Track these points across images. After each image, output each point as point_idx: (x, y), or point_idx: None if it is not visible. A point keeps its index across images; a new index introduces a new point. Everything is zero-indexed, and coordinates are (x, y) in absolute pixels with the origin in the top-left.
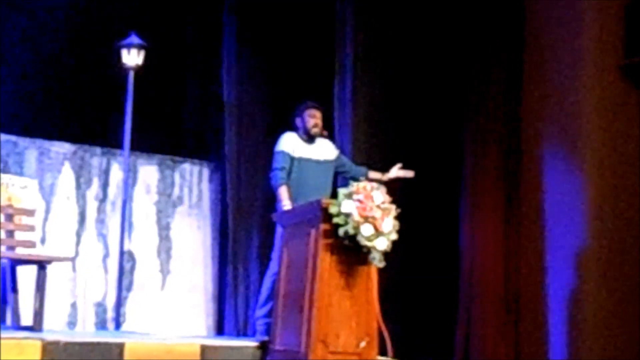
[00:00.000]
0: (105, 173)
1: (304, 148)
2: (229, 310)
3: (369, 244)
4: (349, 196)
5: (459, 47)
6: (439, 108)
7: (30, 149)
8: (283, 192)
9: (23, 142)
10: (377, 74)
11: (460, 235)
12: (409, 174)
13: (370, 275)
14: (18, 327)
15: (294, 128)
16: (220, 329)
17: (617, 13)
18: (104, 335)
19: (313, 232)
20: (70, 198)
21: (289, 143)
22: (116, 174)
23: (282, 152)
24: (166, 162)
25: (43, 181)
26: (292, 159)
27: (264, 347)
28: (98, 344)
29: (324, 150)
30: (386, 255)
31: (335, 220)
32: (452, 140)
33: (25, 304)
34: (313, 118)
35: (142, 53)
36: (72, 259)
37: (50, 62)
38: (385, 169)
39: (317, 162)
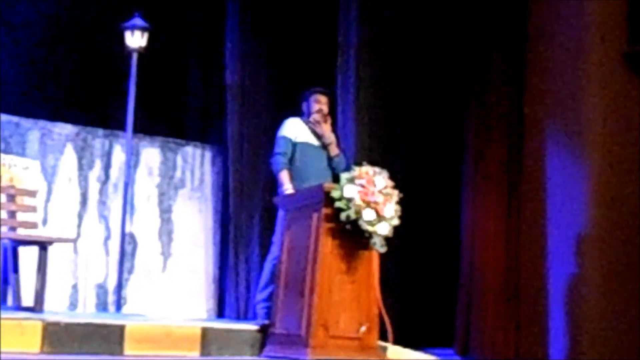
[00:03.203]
0: (108, 155)
1: (308, 133)
2: (229, 293)
3: (370, 228)
4: (351, 181)
5: (462, 35)
6: (441, 96)
7: (33, 130)
8: (284, 177)
9: (26, 123)
10: (380, 61)
11: (461, 222)
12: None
13: (372, 260)
14: (19, 307)
15: (300, 112)
16: (220, 312)
17: (620, 1)
18: (105, 317)
19: (315, 216)
20: (72, 179)
21: (292, 128)
22: (118, 156)
23: (284, 137)
24: (168, 145)
25: (45, 162)
26: (295, 144)
27: (264, 330)
28: (99, 325)
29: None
30: (387, 240)
31: (337, 204)
32: (454, 126)
33: (27, 285)
34: (318, 103)
35: (146, 35)
36: (74, 241)
37: (54, 43)
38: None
39: (319, 147)
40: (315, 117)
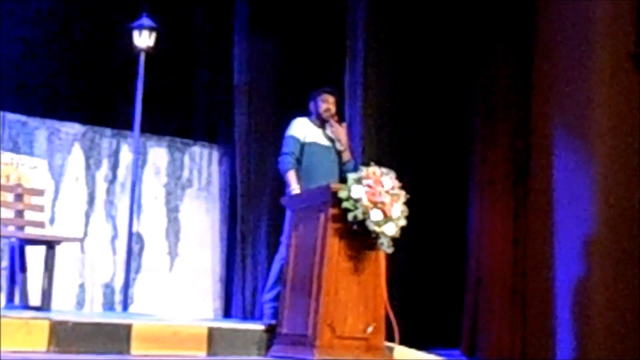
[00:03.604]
0: (115, 154)
1: (316, 133)
2: (236, 293)
3: (377, 229)
4: (359, 181)
5: (469, 36)
6: (448, 97)
7: (41, 129)
8: (291, 177)
9: (33, 122)
10: (387, 61)
11: (468, 222)
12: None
13: (379, 261)
14: (26, 306)
15: (308, 112)
16: (227, 312)
17: (629, 1)
18: (112, 316)
19: (322, 216)
20: (80, 179)
21: (300, 128)
22: (126, 155)
23: (292, 137)
24: (176, 145)
25: (53, 161)
26: (303, 144)
27: (271, 330)
28: (106, 324)
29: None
30: (394, 241)
31: (345, 205)
32: (461, 127)
33: (34, 284)
34: (325, 103)
35: (154, 35)
36: (81, 240)
37: (62, 42)
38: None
39: (328, 147)
40: (331, 120)
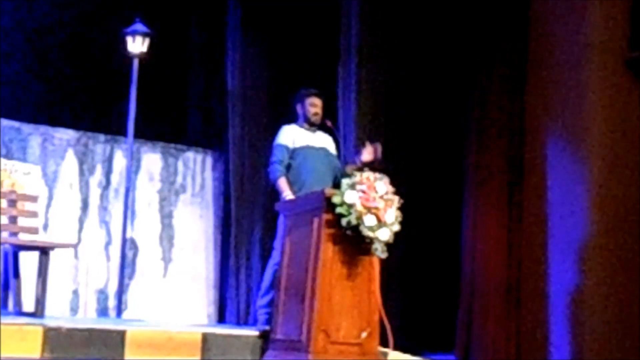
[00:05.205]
0: (109, 160)
1: (305, 136)
2: (230, 298)
3: (371, 234)
4: (352, 186)
5: (464, 38)
6: (443, 99)
7: (34, 135)
8: (282, 184)
9: (27, 128)
10: (381, 64)
11: (462, 228)
12: (372, 155)
13: (373, 266)
14: (20, 313)
15: (294, 114)
16: (221, 318)
17: (622, 6)
18: (106, 322)
19: (316, 221)
20: (74, 185)
21: (288, 135)
22: (120, 161)
23: (280, 145)
24: (170, 150)
25: (46, 168)
26: (293, 150)
27: (265, 336)
28: (99, 330)
29: (326, 141)
30: (388, 246)
31: (338, 210)
32: (455, 131)
33: (27, 290)
34: (313, 107)
35: (147, 41)
36: (75, 246)
37: (55, 48)
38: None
39: (319, 149)
40: (378, 147)
